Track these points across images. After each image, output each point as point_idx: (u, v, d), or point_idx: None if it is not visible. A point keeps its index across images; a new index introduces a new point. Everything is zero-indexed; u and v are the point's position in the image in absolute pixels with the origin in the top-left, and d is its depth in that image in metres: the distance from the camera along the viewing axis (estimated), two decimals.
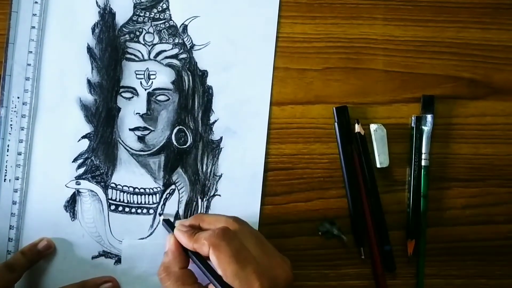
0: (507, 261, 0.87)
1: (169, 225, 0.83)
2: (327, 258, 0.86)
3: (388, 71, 0.87)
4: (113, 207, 0.86)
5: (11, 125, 0.85)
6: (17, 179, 0.85)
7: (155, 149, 0.87)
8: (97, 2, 0.87)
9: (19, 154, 0.85)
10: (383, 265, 0.86)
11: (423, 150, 0.86)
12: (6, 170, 0.85)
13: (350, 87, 0.87)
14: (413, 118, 0.86)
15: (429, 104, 0.86)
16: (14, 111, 0.85)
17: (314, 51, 0.87)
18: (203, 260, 0.75)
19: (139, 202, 0.86)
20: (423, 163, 0.86)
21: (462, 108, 0.87)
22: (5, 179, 0.85)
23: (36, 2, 0.86)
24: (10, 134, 0.85)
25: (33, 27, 0.86)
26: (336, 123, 0.86)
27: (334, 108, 0.86)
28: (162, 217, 0.85)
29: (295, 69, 0.87)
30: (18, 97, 0.85)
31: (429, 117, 0.86)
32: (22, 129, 0.85)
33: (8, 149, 0.85)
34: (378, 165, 0.85)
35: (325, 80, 0.87)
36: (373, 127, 0.85)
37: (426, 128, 0.86)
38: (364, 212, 0.86)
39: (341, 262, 0.87)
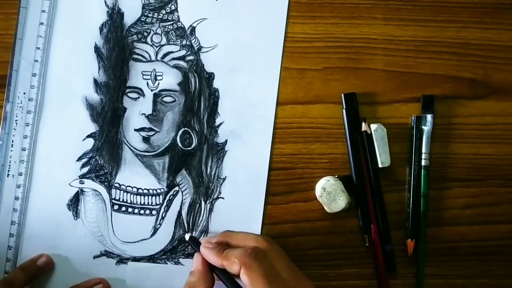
0: (507, 261, 0.87)
1: (195, 242, 0.82)
2: (327, 258, 0.86)
3: (388, 71, 0.87)
4: (116, 207, 0.87)
5: (16, 120, 0.86)
6: (20, 175, 0.86)
7: (159, 150, 0.87)
8: (105, 2, 0.88)
9: (23, 149, 0.86)
10: (384, 265, 0.86)
11: (423, 150, 0.85)
12: (9, 165, 0.86)
13: (350, 87, 0.87)
14: (413, 118, 0.86)
15: (429, 104, 0.86)
16: (20, 107, 0.86)
17: (314, 51, 0.88)
18: (232, 279, 0.75)
19: (142, 202, 0.87)
20: (423, 163, 0.85)
21: (462, 108, 0.87)
22: (8, 174, 0.86)
23: None
24: (15, 129, 0.86)
25: (42, 24, 0.87)
26: (344, 110, 0.86)
27: (342, 95, 0.86)
28: (188, 235, 0.84)
29: (295, 69, 0.87)
30: (24, 93, 0.86)
31: (429, 117, 0.86)
32: (27, 125, 0.86)
33: (12, 144, 0.86)
34: (380, 165, 0.85)
35: (325, 80, 0.87)
36: (373, 127, 0.85)
37: (426, 128, 0.85)
38: (368, 205, 0.86)
39: (341, 262, 0.87)
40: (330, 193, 0.84)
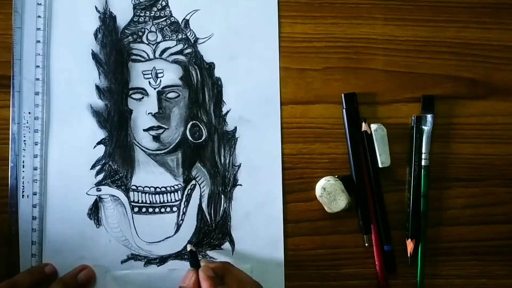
0: (507, 261, 0.87)
1: (194, 257, 0.82)
2: (327, 258, 0.87)
3: (388, 71, 0.87)
4: (136, 209, 0.87)
5: (24, 141, 0.86)
6: (35, 194, 0.86)
7: (171, 147, 0.88)
8: (96, 8, 0.88)
9: (35, 169, 0.86)
10: (384, 265, 0.86)
11: (423, 150, 0.85)
12: (23, 186, 0.85)
13: (350, 87, 0.87)
14: (413, 118, 0.86)
15: (429, 104, 0.86)
16: (27, 127, 0.86)
17: (314, 51, 0.88)
18: None
19: (162, 201, 0.87)
20: (423, 163, 0.85)
21: (462, 108, 0.87)
22: (23, 195, 0.85)
23: (39, 16, 0.87)
24: (24, 150, 0.86)
25: (38, 41, 0.87)
26: (344, 110, 0.87)
27: (342, 95, 0.87)
28: (189, 246, 0.84)
29: (295, 69, 0.88)
30: (29, 113, 0.86)
31: (429, 117, 0.85)
32: (36, 144, 0.86)
33: (23, 165, 0.86)
34: (380, 165, 0.85)
35: (325, 80, 0.88)
36: (373, 127, 0.85)
37: (426, 128, 0.85)
38: (368, 205, 0.86)
39: (341, 262, 0.87)
40: (330, 193, 0.84)
